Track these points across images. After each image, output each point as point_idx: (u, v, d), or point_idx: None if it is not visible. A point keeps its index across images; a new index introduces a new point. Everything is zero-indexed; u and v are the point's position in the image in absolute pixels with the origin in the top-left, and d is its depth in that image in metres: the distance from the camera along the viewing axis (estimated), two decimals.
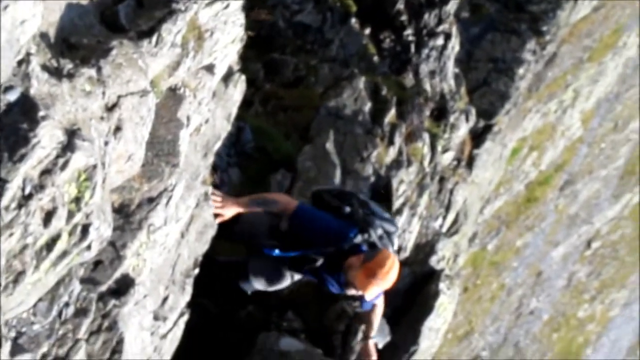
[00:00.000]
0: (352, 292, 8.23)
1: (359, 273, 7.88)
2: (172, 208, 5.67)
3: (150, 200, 5.45)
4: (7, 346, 4.53)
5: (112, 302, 5.34)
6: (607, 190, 22.75)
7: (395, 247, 8.64)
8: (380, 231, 8.41)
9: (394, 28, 12.70)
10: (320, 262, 8.24)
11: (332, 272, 8.23)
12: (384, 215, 8.70)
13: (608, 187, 22.75)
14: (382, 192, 10.78)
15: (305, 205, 8.28)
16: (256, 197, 7.96)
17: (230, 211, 7.71)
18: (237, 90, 6.64)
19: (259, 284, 8.66)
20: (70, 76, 4.45)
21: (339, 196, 8.70)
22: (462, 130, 12.61)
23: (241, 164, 10.28)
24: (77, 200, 4.49)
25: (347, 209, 8.46)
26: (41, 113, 4.16)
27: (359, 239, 8.13)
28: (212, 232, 6.76)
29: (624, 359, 27.14)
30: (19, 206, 4.17)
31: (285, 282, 8.67)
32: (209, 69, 5.93)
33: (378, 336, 9.96)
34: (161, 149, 5.51)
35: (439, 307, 11.13)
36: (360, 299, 8.76)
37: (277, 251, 8.09)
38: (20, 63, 4.17)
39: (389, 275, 7.93)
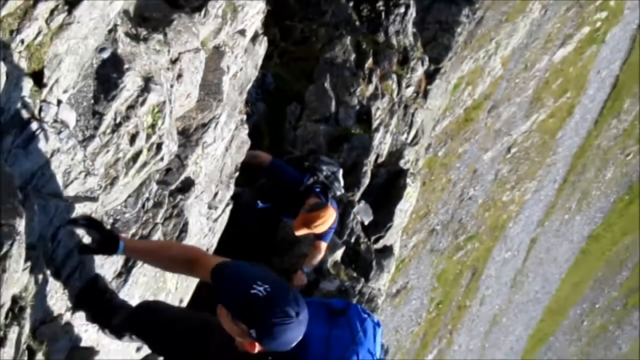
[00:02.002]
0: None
1: (299, 217, 10.02)
2: (218, 130, 7.25)
3: (204, 125, 7.04)
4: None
5: (179, 196, 6.84)
6: (521, 111, 28.51)
7: (342, 183, 10.63)
8: (326, 172, 10.40)
9: (370, 1, 16.15)
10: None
11: (294, 215, 10.19)
12: (330, 161, 10.84)
13: (521, 109, 28.44)
14: (364, 117, 14.27)
15: (277, 160, 10.62)
16: (249, 152, 9.24)
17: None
18: (261, 47, 8.34)
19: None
20: (145, 40, 5.89)
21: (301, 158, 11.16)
22: (419, 72, 16.16)
23: (265, 99, 13.51)
24: (153, 126, 5.88)
25: (306, 164, 10.66)
26: (126, 66, 5.51)
27: (311, 181, 10.26)
28: (246, 146, 8.44)
29: (535, 227, 33.97)
30: (112, 131, 5.50)
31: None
32: (242, 32, 7.57)
33: (364, 216, 13.43)
34: (210, 89, 7.08)
35: (406, 196, 14.44)
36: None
37: (260, 204, 10.65)
38: (110, 31, 5.51)
39: (320, 227, 10.00)
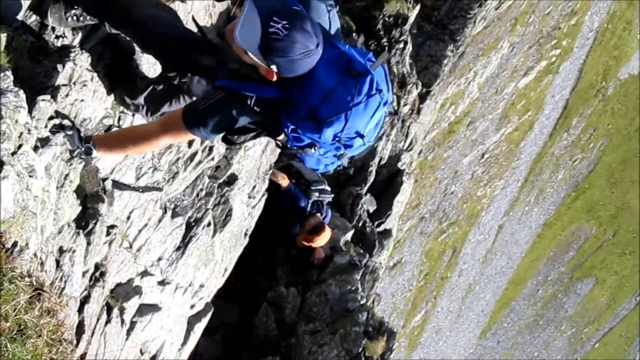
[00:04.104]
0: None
1: (301, 236, 10.36)
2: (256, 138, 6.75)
3: None
4: (169, 212, 5.84)
5: (226, 188, 6.90)
6: (492, 126, 28.30)
7: (329, 189, 10.72)
8: (317, 193, 10.44)
9: (376, 38, 15.54)
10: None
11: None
12: (314, 178, 10.56)
13: (493, 124, 28.25)
14: None
15: (292, 186, 10.20)
16: (274, 171, 9.15)
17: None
18: None
19: None
20: None
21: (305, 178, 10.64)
22: (414, 94, 16.07)
23: None
24: None
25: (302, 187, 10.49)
26: None
27: (307, 203, 10.29)
28: (278, 150, 8.20)
29: (502, 216, 34.19)
30: None
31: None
32: None
33: (370, 205, 13.74)
34: None
35: (402, 190, 14.80)
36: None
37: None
38: None
39: (317, 243, 10.35)
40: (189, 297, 7.02)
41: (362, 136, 3.75)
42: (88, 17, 4.13)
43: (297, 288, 11.22)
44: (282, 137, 3.92)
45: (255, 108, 3.82)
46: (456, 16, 18.35)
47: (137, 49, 4.59)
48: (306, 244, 10.43)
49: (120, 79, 4.64)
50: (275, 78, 3.69)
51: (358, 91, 3.64)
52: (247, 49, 3.60)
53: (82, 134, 4.09)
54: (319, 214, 10.38)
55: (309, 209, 10.37)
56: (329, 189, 10.76)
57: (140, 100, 4.60)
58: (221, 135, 4.00)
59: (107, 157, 4.59)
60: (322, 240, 10.34)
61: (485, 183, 30.47)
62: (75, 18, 4.13)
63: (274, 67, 3.61)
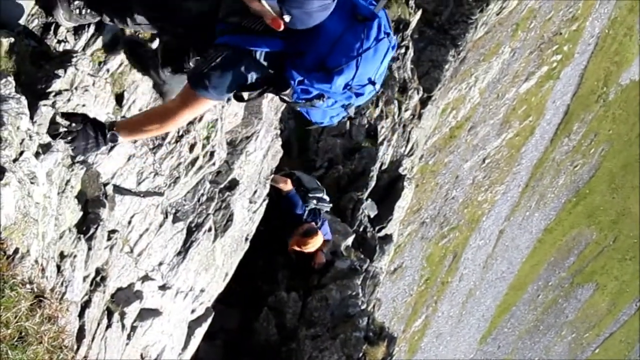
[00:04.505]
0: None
1: (293, 240, 10.30)
2: (258, 142, 7.28)
3: (247, 137, 7.07)
4: (170, 217, 5.82)
5: (227, 193, 6.90)
6: (493, 131, 28.22)
7: (328, 199, 10.75)
8: (314, 201, 10.46)
9: None
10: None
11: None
12: (314, 186, 10.69)
13: (494, 129, 28.17)
14: (372, 133, 14.20)
15: (293, 192, 10.20)
16: (275, 176, 9.18)
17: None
18: None
19: None
20: None
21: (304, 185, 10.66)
22: (415, 99, 16.10)
23: (295, 118, 13.16)
24: (207, 138, 5.88)
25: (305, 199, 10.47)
26: None
27: (306, 214, 10.30)
28: (280, 155, 8.27)
29: (503, 221, 34.09)
30: (176, 141, 5.49)
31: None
32: None
33: (370, 210, 13.63)
34: (252, 110, 7.02)
35: (403, 195, 14.74)
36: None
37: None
38: None
39: (307, 248, 10.29)
40: (190, 301, 7.01)
41: (373, 83, 3.60)
42: (88, 10, 4.12)
43: (298, 293, 11.22)
44: (288, 91, 3.75)
45: (263, 62, 3.66)
46: (457, 21, 18.39)
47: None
48: (297, 248, 10.41)
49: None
50: (282, 28, 3.51)
51: (366, 36, 3.49)
52: None
53: (101, 123, 3.99)
54: (313, 223, 10.37)
55: (305, 216, 10.37)
56: (327, 198, 10.79)
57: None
58: (232, 94, 3.83)
59: (130, 141, 4.55)
60: (313, 245, 10.31)
61: (486, 188, 30.46)
62: (77, 11, 4.11)
63: (286, 18, 3.44)
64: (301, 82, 3.58)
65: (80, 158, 4.07)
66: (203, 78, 3.73)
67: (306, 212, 10.38)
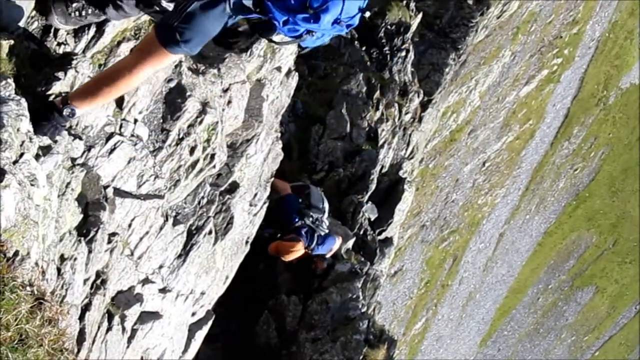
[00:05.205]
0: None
1: (274, 243, 10.24)
2: (259, 144, 7.19)
3: (247, 140, 6.98)
4: (170, 220, 5.77)
5: (227, 196, 6.82)
6: (494, 134, 28.43)
7: (327, 223, 10.57)
8: (312, 219, 10.30)
9: (378, 46, 16.13)
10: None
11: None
12: (319, 207, 10.52)
13: (494, 132, 28.40)
14: (372, 136, 14.28)
15: (291, 196, 10.28)
16: (274, 180, 8.93)
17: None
18: (293, 80, 8.14)
19: None
20: (203, 73, 5.79)
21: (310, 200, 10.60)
22: (415, 102, 16.33)
23: (295, 121, 13.58)
24: (208, 141, 5.83)
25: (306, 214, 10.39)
26: (188, 93, 5.45)
27: (299, 223, 10.22)
28: (280, 158, 8.19)
29: (503, 225, 34.15)
30: (176, 144, 5.45)
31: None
32: (278, 69, 7.41)
33: (371, 213, 13.61)
34: (253, 112, 6.95)
35: (403, 198, 14.62)
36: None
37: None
38: (176, 66, 5.40)
39: (287, 257, 10.26)
40: (190, 304, 6.99)
41: (363, 10, 3.45)
42: (89, 11, 4.01)
43: (298, 296, 11.22)
44: (276, 36, 3.59)
45: (245, 3, 3.46)
46: (458, 25, 18.44)
47: None
48: (274, 252, 10.37)
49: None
50: None
51: None
52: None
53: (51, 103, 3.76)
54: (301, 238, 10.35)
55: (296, 223, 10.36)
56: (327, 222, 10.72)
57: None
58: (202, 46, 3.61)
59: (90, 109, 4.06)
60: (293, 254, 10.31)
61: (486, 191, 30.52)
62: (77, 13, 3.99)
63: None
64: (286, 22, 3.43)
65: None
66: (174, 32, 3.48)
67: (298, 221, 10.32)
